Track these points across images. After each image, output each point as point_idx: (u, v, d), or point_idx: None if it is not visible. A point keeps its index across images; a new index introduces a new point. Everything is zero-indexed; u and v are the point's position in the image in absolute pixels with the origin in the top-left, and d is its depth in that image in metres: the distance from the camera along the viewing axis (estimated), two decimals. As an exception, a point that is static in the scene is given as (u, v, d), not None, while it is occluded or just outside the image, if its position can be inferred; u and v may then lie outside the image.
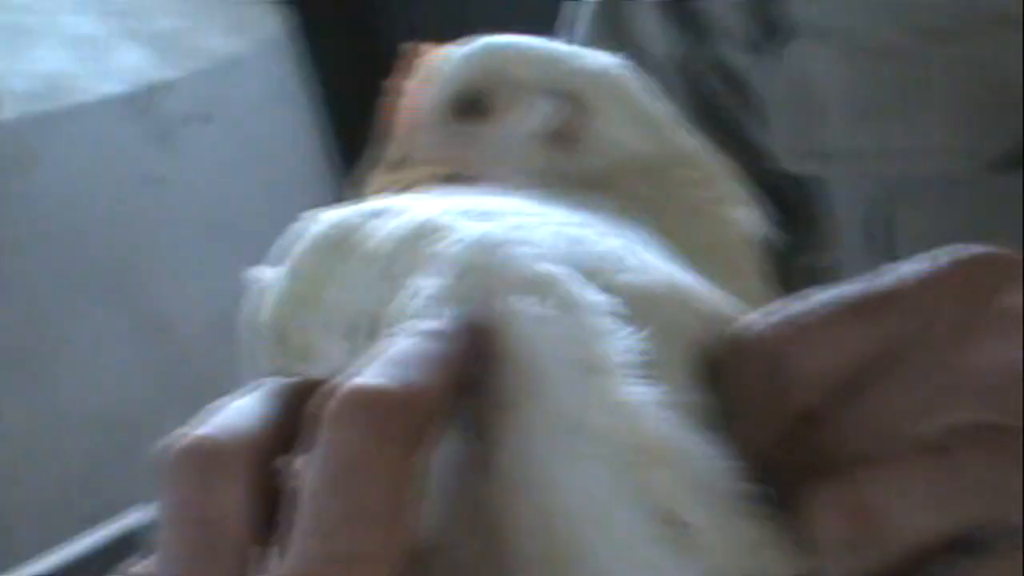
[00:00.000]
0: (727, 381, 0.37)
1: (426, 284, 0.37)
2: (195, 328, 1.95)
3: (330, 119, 2.24)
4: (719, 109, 0.77)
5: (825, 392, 0.36)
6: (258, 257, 0.47)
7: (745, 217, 0.48)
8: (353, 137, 0.54)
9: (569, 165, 0.46)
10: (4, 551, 1.65)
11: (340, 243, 0.41)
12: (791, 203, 0.77)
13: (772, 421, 0.36)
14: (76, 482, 1.85)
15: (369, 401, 0.33)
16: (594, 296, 0.36)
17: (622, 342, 0.35)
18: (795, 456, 0.36)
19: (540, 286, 0.36)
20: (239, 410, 0.36)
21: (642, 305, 0.37)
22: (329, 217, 0.43)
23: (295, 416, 0.36)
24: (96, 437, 1.85)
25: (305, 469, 0.34)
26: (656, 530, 0.33)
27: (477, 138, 0.47)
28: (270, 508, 0.35)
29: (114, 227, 1.92)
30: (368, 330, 0.39)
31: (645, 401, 0.35)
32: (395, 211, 0.41)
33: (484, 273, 0.37)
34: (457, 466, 0.36)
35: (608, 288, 0.37)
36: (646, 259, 0.39)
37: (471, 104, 0.47)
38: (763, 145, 0.75)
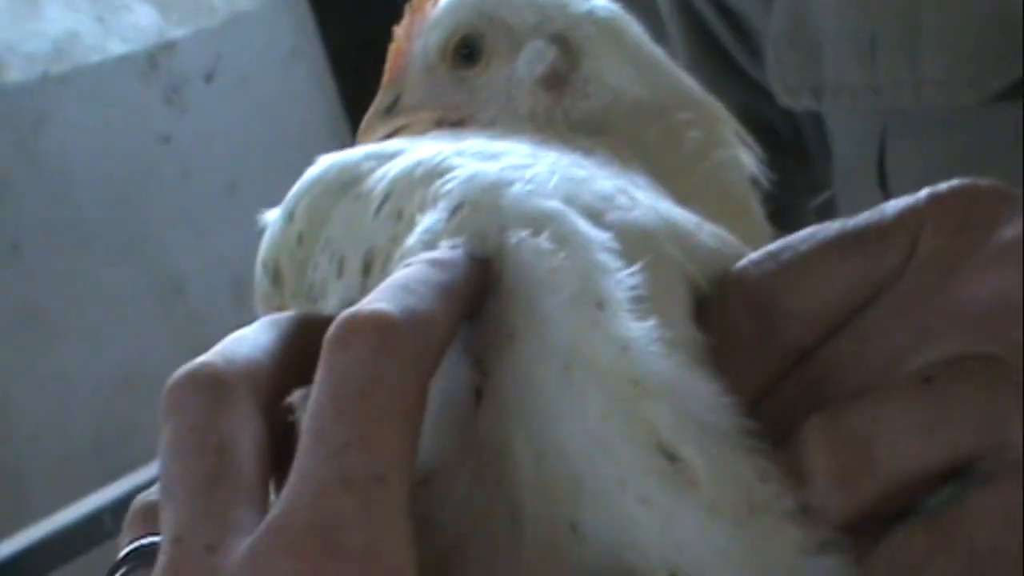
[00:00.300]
0: (720, 320, 0.37)
1: (423, 221, 0.38)
2: (208, 285, 1.97)
3: (340, 74, 2.24)
4: (717, 46, 0.78)
5: (815, 329, 0.36)
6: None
7: (745, 158, 0.48)
8: (363, 92, 0.54)
9: (560, 109, 0.47)
10: (23, 505, 1.67)
11: (339, 183, 0.42)
12: (788, 140, 0.77)
13: (764, 359, 0.36)
14: (92, 439, 1.86)
15: (373, 324, 0.33)
16: (592, 231, 0.37)
17: (619, 277, 0.36)
18: (788, 393, 0.36)
19: (539, 221, 0.36)
20: (239, 340, 0.36)
21: (634, 241, 0.37)
22: (328, 159, 0.43)
23: (297, 350, 0.36)
24: (112, 394, 1.87)
25: (307, 397, 0.34)
26: (649, 462, 0.34)
27: (467, 83, 0.48)
28: (278, 443, 0.35)
29: (125, 186, 1.92)
30: (364, 266, 0.39)
31: (642, 335, 0.35)
32: (394, 152, 0.42)
33: (481, 209, 0.37)
34: (452, 395, 0.36)
35: (601, 225, 0.37)
36: (638, 198, 0.40)
37: (462, 49, 0.48)
38: (760, 81, 0.75)
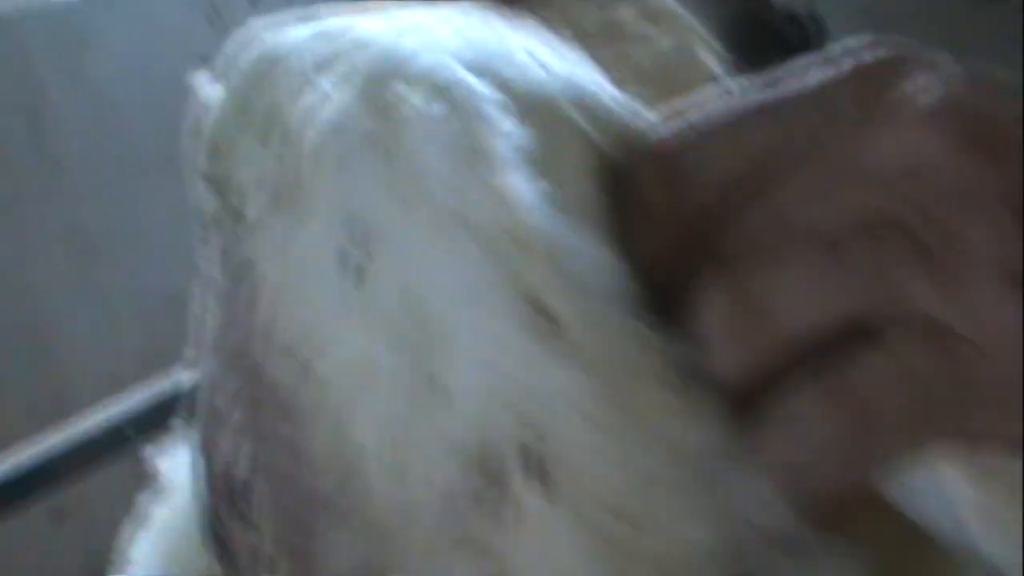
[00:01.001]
0: (627, 184, 0.37)
1: (329, 90, 0.39)
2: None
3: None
4: None
5: (727, 194, 0.36)
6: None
7: (704, 56, 0.47)
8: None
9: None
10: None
11: (277, 56, 0.42)
12: (795, 44, 0.79)
13: (672, 225, 0.37)
14: (137, 359, 1.91)
15: None
16: (484, 89, 0.37)
17: (510, 135, 0.36)
18: (696, 260, 0.36)
19: (430, 80, 0.37)
20: None
21: (531, 101, 0.37)
22: (273, 34, 0.44)
23: None
24: (156, 314, 1.91)
25: None
26: (525, 319, 0.34)
27: None
28: None
29: (166, 105, 1.96)
30: (282, 134, 0.40)
31: (527, 194, 0.35)
32: (334, 28, 0.42)
33: (379, 74, 0.38)
34: (343, 259, 0.37)
35: (501, 84, 0.37)
36: (548, 61, 0.39)
37: None
38: None
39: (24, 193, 1.86)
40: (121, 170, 1.92)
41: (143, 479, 0.55)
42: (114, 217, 1.92)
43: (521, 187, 0.35)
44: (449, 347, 0.34)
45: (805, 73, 0.37)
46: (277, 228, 0.39)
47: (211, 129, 0.43)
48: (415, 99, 0.36)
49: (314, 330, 0.37)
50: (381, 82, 0.37)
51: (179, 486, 0.52)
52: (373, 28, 0.41)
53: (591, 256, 0.35)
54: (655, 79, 0.44)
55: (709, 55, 0.47)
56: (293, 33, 0.43)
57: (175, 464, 0.54)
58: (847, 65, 0.37)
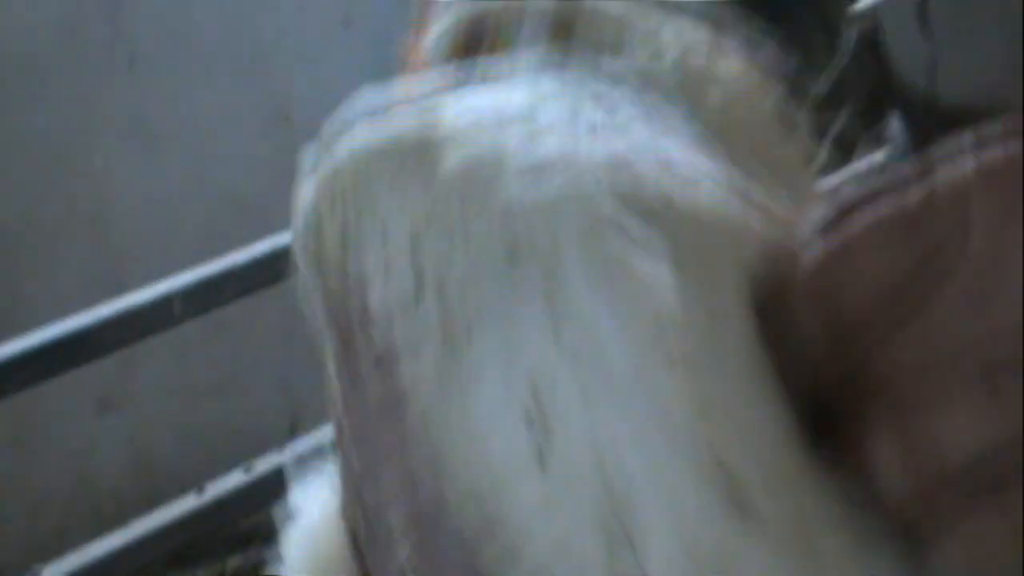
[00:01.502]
0: (777, 305, 0.38)
1: (476, 229, 0.40)
2: (314, 115, 2.03)
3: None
4: None
5: (875, 308, 0.38)
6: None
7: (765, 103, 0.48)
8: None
9: (573, 49, 0.47)
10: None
11: (396, 164, 0.43)
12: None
13: (824, 341, 0.38)
14: (191, 254, 1.96)
15: None
16: (640, 232, 0.36)
17: (672, 287, 0.36)
18: (847, 380, 0.38)
19: (593, 236, 0.37)
20: None
21: (691, 245, 0.37)
22: (376, 141, 0.45)
23: None
24: (213, 214, 1.96)
25: None
26: (715, 489, 0.35)
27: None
28: None
29: (242, 9, 2.00)
30: (438, 285, 0.40)
31: (713, 394, 0.36)
32: (447, 138, 0.42)
33: (534, 231, 0.38)
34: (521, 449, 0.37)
35: (651, 213, 0.37)
36: (693, 170, 0.39)
37: (473, 38, 0.51)
38: None
39: (98, 82, 1.91)
40: (191, 69, 1.96)
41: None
42: (180, 113, 1.96)
43: (691, 350, 0.36)
44: (641, 523, 0.35)
45: (932, 168, 0.38)
46: (431, 360, 0.40)
47: (336, 225, 0.46)
48: (572, 245, 0.37)
49: (497, 488, 0.38)
50: (526, 222, 0.38)
51: (308, 513, 0.56)
52: (499, 138, 0.40)
53: (765, 411, 0.37)
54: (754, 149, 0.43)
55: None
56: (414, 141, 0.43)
57: (307, 495, 0.58)
58: (973, 162, 0.38)
